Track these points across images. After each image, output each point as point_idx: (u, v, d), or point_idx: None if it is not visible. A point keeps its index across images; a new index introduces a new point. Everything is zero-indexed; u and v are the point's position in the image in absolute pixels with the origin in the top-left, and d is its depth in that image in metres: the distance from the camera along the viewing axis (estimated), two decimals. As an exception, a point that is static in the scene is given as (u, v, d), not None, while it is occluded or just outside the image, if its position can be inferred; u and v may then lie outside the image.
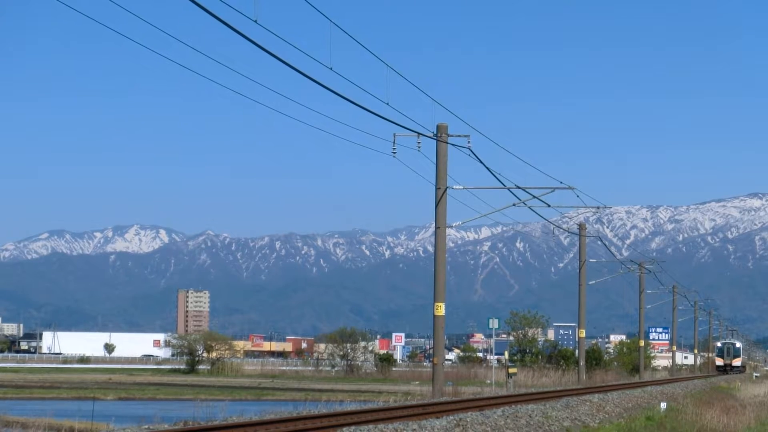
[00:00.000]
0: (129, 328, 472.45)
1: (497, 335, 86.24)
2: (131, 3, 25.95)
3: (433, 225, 43.38)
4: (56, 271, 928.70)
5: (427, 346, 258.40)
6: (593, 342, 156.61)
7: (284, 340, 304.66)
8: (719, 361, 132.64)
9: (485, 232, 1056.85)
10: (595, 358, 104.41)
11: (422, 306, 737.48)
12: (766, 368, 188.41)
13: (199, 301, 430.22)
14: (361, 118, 33.91)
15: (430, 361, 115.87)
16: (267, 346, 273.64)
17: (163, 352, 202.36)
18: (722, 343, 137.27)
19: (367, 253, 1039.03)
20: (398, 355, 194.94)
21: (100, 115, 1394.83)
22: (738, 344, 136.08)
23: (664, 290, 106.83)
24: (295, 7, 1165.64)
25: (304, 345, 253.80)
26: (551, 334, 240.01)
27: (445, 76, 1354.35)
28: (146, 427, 24.31)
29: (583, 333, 73.11)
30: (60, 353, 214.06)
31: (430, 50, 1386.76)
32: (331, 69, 27.75)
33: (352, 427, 23.82)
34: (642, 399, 45.87)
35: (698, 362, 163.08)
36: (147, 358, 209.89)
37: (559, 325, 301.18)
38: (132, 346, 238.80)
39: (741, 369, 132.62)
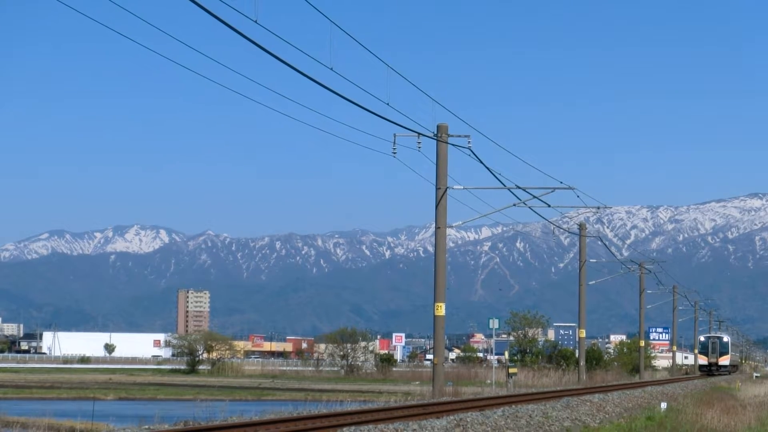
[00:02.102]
0: (129, 328, 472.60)
1: (497, 335, 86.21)
2: (131, 3, 25.96)
3: (433, 225, 43.39)
4: (56, 271, 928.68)
5: (428, 346, 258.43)
6: (593, 342, 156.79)
7: (284, 340, 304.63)
8: (702, 360, 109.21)
9: (485, 232, 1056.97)
10: (595, 358, 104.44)
11: (422, 306, 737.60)
12: (766, 368, 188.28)
13: (199, 301, 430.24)
14: (361, 118, 33.94)
15: (430, 361, 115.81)
16: (267, 346, 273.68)
17: (164, 353, 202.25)
18: (706, 337, 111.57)
19: (367, 253, 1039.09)
20: (398, 356, 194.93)
21: (99, 115, 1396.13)
22: (726, 338, 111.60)
23: (664, 290, 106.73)
24: (295, 7, 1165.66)
25: (304, 345, 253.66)
26: (551, 334, 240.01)
27: (445, 76, 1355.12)
28: (146, 427, 24.31)
29: (583, 333, 73.13)
30: (60, 355, 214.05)
31: (431, 50, 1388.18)
32: (331, 69, 27.77)
33: (352, 427, 23.82)
34: (642, 399, 45.88)
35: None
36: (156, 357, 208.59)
37: (559, 325, 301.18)
38: (132, 346, 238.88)
39: (730, 369, 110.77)
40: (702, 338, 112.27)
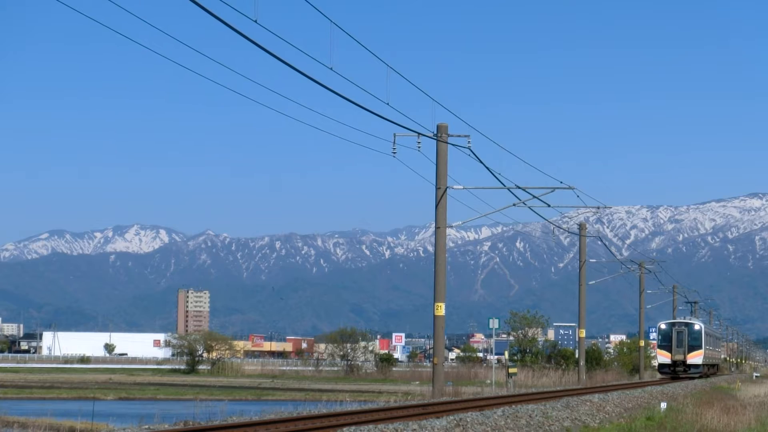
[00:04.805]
0: (129, 328, 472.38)
1: (497, 335, 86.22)
2: (131, 3, 25.96)
3: (433, 225, 43.38)
4: (56, 271, 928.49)
5: (428, 346, 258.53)
6: (593, 342, 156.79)
7: (284, 340, 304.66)
8: (663, 356, 79.14)
9: (485, 232, 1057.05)
10: (595, 358, 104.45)
11: (422, 306, 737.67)
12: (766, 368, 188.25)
13: (199, 301, 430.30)
14: (361, 118, 33.97)
15: (430, 361, 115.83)
16: (267, 346, 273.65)
17: (164, 352, 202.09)
18: (668, 324, 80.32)
19: (367, 253, 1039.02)
20: (398, 355, 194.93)
21: (100, 115, 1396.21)
22: (698, 325, 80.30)
23: (664, 290, 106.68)
24: (295, 7, 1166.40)
25: (304, 345, 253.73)
26: (551, 334, 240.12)
27: (445, 76, 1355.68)
28: (146, 427, 24.31)
29: (583, 333, 73.09)
30: (60, 355, 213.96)
31: (430, 50, 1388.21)
32: (331, 69, 27.77)
33: (352, 427, 23.80)
34: (642, 399, 45.84)
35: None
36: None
37: (559, 325, 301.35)
38: (132, 346, 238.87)
39: (705, 370, 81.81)
40: (663, 325, 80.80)
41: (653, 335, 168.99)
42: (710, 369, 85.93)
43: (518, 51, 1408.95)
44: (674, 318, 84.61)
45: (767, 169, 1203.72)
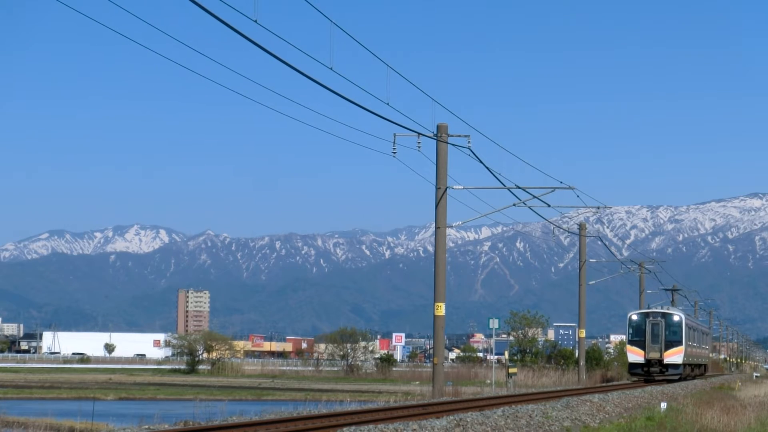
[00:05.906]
0: (129, 328, 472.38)
1: (497, 335, 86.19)
2: (131, 3, 25.98)
3: (433, 225, 43.39)
4: (56, 271, 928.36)
5: (428, 346, 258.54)
6: (593, 342, 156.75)
7: (284, 340, 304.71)
8: (635, 354, 64.24)
9: (485, 232, 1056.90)
10: (595, 358, 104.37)
11: (422, 306, 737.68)
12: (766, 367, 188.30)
13: (199, 301, 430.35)
14: (361, 118, 34.00)
15: (430, 361, 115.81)
16: (267, 346, 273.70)
17: (163, 352, 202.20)
18: (641, 315, 65.07)
19: (367, 253, 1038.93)
20: (398, 356, 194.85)
21: (99, 115, 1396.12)
22: (678, 316, 64.98)
23: (664, 290, 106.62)
24: (295, 7, 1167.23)
25: (304, 345, 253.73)
26: (551, 334, 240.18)
27: (445, 76, 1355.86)
28: (146, 427, 24.32)
29: (583, 333, 73.09)
30: (59, 352, 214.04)
31: (430, 50, 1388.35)
32: (331, 69, 27.78)
33: (352, 427, 23.79)
34: (642, 399, 45.83)
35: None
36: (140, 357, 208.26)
37: (559, 325, 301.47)
38: (132, 346, 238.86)
39: (687, 372, 68.29)
40: (634, 316, 65.35)
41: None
42: (694, 369, 72.25)
43: (518, 51, 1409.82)
44: (648, 307, 70.38)
45: (767, 169, 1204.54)
